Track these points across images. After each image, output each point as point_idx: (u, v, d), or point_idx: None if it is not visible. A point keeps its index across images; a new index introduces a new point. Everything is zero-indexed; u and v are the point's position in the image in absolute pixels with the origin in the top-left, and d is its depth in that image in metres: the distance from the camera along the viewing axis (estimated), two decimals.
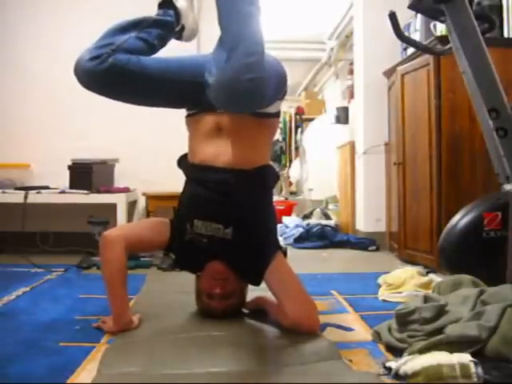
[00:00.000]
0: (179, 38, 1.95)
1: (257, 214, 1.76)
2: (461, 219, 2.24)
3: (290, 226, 4.58)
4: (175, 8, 1.88)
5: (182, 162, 1.90)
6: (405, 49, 3.49)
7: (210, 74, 1.60)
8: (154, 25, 1.81)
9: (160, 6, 1.89)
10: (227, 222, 1.72)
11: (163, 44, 1.86)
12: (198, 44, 3.74)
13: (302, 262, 3.21)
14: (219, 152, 1.75)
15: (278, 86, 1.75)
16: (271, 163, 1.92)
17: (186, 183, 1.87)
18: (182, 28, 1.91)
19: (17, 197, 3.27)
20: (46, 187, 3.44)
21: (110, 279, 1.71)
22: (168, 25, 1.86)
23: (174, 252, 1.88)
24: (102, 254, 1.73)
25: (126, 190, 3.49)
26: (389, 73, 3.65)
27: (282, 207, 5.90)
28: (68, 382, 1.31)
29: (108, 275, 1.71)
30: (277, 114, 1.86)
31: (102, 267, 1.74)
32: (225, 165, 1.73)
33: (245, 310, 1.88)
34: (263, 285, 1.77)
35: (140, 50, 1.73)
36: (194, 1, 1.95)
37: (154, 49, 1.80)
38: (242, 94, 1.47)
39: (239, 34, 1.46)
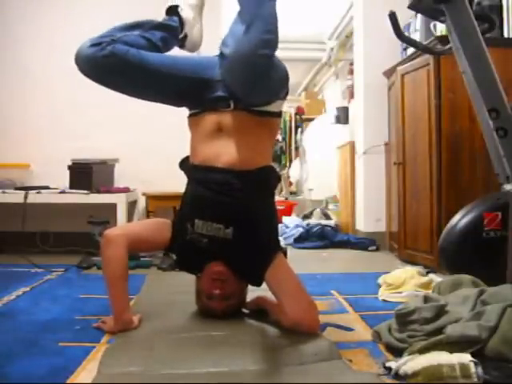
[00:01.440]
0: (182, 46, 1.98)
1: (257, 215, 1.76)
2: (461, 219, 2.23)
3: (290, 225, 4.58)
4: (180, 16, 1.90)
5: (184, 163, 1.90)
6: (405, 49, 3.49)
7: (226, 46, 1.66)
8: (158, 27, 1.85)
9: (167, 13, 1.94)
10: (228, 223, 1.72)
11: (167, 48, 1.89)
12: (198, 51, 3.75)
13: (302, 262, 3.20)
14: (220, 152, 1.75)
15: (282, 80, 1.78)
16: (272, 165, 1.92)
17: (188, 184, 1.87)
18: (185, 36, 1.94)
19: (17, 197, 3.27)
20: (46, 187, 3.44)
21: (111, 277, 1.71)
22: (172, 29, 1.89)
23: (175, 252, 1.88)
24: (104, 252, 1.73)
25: (125, 190, 3.49)
26: (389, 73, 3.65)
27: (282, 207, 5.89)
28: (68, 381, 1.31)
29: (109, 273, 1.71)
30: (278, 114, 1.86)
31: (103, 265, 1.74)
32: (226, 165, 1.74)
33: (245, 310, 1.88)
34: (263, 285, 1.77)
35: (142, 47, 1.75)
36: (200, 13, 1.98)
37: (157, 49, 1.83)
38: (255, 67, 1.59)
39: (257, 13, 1.60)
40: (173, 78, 1.76)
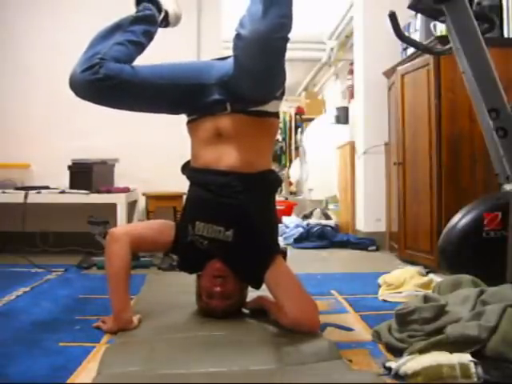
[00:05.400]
0: (166, 25, 1.97)
1: (258, 218, 1.76)
2: (461, 219, 2.23)
3: (290, 226, 4.58)
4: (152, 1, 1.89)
5: (186, 167, 1.92)
6: (405, 49, 3.49)
7: (242, 27, 1.64)
8: (136, 21, 1.83)
9: (137, 3, 1.91)
10: (228, 225, 1.72)
11: (150, 39, 1.88)
12: (198, 51, 3.77)
13: (302, 262, 3.21)
14: (221, 155, 1.76)
15: (283, 76, 1.77)
16: (273, 168, 1.92)
17: (190, 187, 1.88)
18: (166, 14, 1.93)
19: (17, 197, 3.27)
20: (46, 187, 3.44)
21: (113, 274, 1.72)
22: (149, 18, 1.87)
23: (177, 254, 1.89)
24: (108, 249, 1.74)
25: (126, 190, 3.49)
26: (389, 73, 3.65)
27: (282, 207, 5.89)
28: (68, 381, 1.31)
29: (111, 269, 1.72)
30: (276, 115, 1.86)
31: (106, 262, 1.76)
32: (227, 168, 1.74)
33: (245, 310, 1.88)
34: (263, 285, 1.77)
35: (129, 53, 1.76)
36: None
37: (142, 46, 1.83)
38: (271, 50, 1.62)
39: None
40: (168, 89, 1.77)
